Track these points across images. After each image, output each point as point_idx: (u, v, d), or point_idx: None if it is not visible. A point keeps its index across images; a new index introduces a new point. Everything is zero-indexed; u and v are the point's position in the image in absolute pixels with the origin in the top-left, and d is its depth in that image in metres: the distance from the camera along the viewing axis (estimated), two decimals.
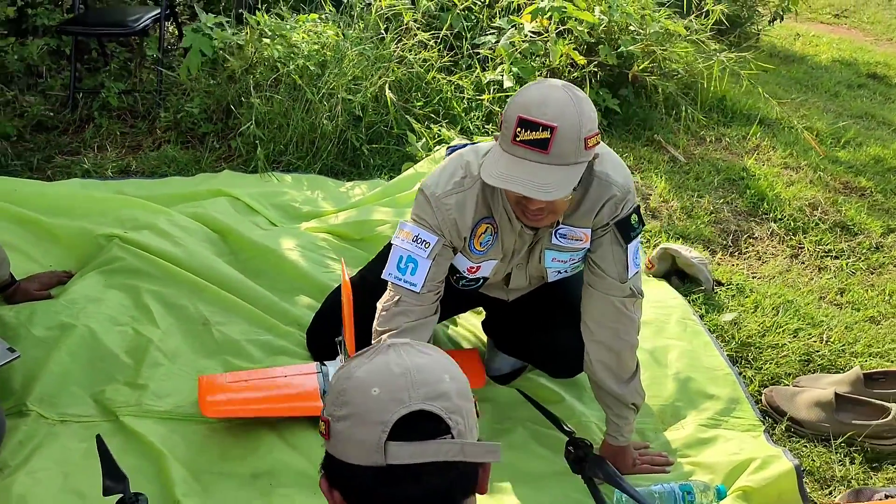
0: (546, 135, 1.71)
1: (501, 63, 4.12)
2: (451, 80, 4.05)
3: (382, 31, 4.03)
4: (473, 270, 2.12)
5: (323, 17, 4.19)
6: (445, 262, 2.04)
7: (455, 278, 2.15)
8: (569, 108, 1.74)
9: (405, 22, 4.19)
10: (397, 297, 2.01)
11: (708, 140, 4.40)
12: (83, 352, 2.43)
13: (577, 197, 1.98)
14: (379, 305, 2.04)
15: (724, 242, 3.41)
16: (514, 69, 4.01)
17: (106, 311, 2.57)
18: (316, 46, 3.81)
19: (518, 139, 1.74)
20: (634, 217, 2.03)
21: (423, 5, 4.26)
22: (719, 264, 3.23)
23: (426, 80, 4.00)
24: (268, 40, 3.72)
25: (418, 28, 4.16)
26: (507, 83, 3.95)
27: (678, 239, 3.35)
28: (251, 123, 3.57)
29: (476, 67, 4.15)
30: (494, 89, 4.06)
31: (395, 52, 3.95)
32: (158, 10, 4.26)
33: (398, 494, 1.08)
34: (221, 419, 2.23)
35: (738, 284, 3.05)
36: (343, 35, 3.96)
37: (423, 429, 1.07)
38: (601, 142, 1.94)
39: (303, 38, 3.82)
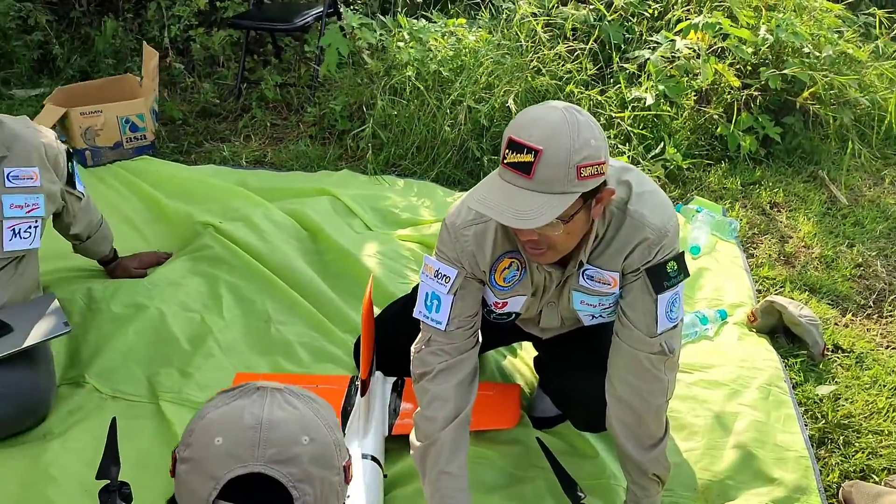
0: (529, 158, 1.54)
1: (649, 79, 3.85)
2: (590, 95, 3.84)
3: (522, 40, 3.90)
4: (500, 306, 1.98)
5: (470, 21, 4.13)
6: (472, 295, 1.91)
7: (486, 311, 2.01)
8: (560, 130, 1.55)
9: (563, 30, 4.05)
10: (428, 337, 1.92)
11: (887, 181, 3.87)
12: (149, 333, 2.56)
13: (606, 236, 1.80)
14: (413, 348, 1.96)
15: (864, 302, 2.97)
16: (661, 87, 3.74)
17: (181, 297, 2.69)
18: (451, 52, 3.75)
19: (506, 161, 1.59)
20: (672, 265, 1.80)
21: (577, 15, 4.08)
22: (847, 326, 2.82)
23: (565, 92, 3.83)
24: (402, 44, 3.72)
25: (563, 38, 3.99)
26: (649, 101, 3.69)
27: (805, 291, 2.96)
28: (369, 126, 3.59)
29: (621, 83, 3.91)
30: (636, 107, 3.81)
31: (531, 61, 3.81)
32: (321, 9, 4.40)
33: None
34: None
35: (859, 353, 2.64)
36: (485, 41, 3.88)
37: (259, 494, 0.99)
38: (634, 178, 1.78)
39: (439, 42, 3.78)
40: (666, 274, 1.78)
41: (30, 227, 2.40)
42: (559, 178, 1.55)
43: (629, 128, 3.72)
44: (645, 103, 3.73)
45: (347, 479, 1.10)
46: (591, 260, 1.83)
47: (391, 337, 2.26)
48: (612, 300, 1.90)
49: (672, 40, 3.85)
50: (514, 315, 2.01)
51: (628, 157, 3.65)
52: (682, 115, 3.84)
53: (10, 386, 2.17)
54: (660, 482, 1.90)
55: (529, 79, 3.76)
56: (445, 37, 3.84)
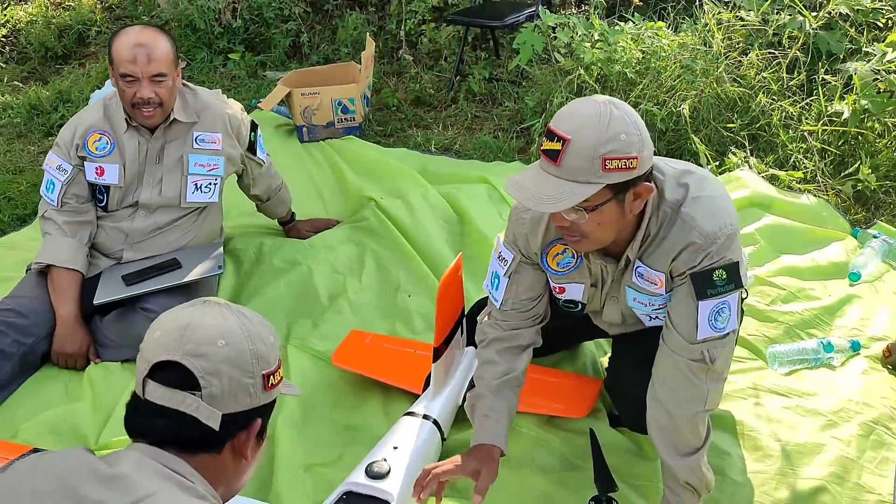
0: (558, 146, 1.63)
1: (853, 93, 3.59)
2: (782, 106, 3.66)
3: (716, 44, 3.80)
4: (560, 291, 2.06)
5: (671, 24, 4.09)
6: (527, 280, 2.03)
7: (555, 298, 2.11)
8: (592, 122, 1.62)
9: (767, 37, 3.89)
10: (489, 311, 2.08)
11: None
12: (297, 286, 2.91)
13: (658, 236, 1.83)
14: (478, 317, 2.12)
15: None
16: (864, 102, 3.47)
17: (332, 259, 3.03)
18: (638, 54, 3.76)
19: (542, 148, 1.70)
20: (721, 273, 1.78)
21: (791, 21, 3.89)
22: None
23: (755, 101, 3.69)
24: (588, 44, 3.78)
25: (770, 45, 3.82)
26: (846, 115, 3.45)
27: None
28: (539, 121, 3.70)
29: (821, 96, 3.68)
30: (835, 122, 3.57)
31: (719, 66, 3.71)
32: (535, 8, 4.57)
33: (149, 425, 1.25)
34: (351, 371, 2.50)
35: None
36: (678, 45, 3.83)
37: (174, 378, 1.23)
38: (694, 182, 1.80)
39: (627, 44, 3.80)
40: (711, 281, 1.77)
41: (210, 184, 2.84)
42: (583, 168, 1.62)
43: (819, 143, 3.50)
44: (842, 118, 3.49)
45: (267, 386, 1.29)
46: (643, 258, 1.87)
47: None
48: (663, 301, 1.91)
49: (884, 52, 3.55)
50: (579, 305, 2.08)
51: (808, 172, 3.44)
52: (889, 134, 3.54)
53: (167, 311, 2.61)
54: (694, 492, 1.88)
55: (715, 85, 3.66)
56: (637, 39, 3.85)
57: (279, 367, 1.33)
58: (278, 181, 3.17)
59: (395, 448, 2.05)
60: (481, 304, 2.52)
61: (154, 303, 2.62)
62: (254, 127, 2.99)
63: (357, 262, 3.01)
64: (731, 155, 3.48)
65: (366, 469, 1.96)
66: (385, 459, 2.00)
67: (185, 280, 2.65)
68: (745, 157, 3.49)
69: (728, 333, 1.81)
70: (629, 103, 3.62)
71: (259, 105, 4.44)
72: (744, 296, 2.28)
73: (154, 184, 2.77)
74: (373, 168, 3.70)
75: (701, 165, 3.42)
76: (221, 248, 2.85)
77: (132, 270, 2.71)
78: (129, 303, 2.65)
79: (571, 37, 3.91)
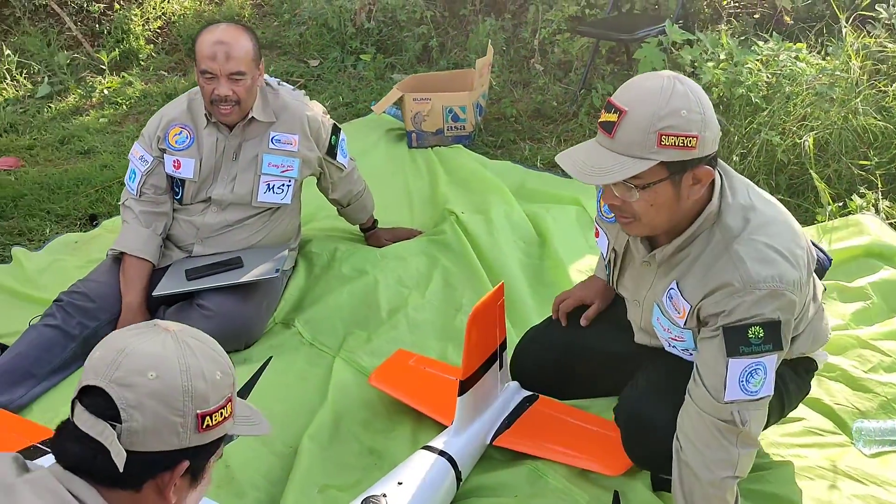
0: (614, 118, 1.57)
1: None
2: None
3: (858, 72, 3.40)
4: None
5: (812, 47, 3.71)
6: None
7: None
8: (652, 96, 1.55)
9: None
10: None
11: None
12: (359, 296, 2.85)
13: (701, 258, 1.70)
14: None
15: None
16: None
17: (400, 271, 2.94)
18: (766, 77, 3.43)
19: (599, 120, 1.62)
20: (757, 331, 1.60)
21: None
22: None
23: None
24: (711, 63, 3.49)
25: None
26: None
27: None
28: None
29: None
30: None
31: (859, 95, 3.32)
32: (664, 24, 4.30)
33: (66, 449, 1.19)
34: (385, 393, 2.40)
35: None
36: (818, 69, 3.47)
37: (97, 404, 1.17)
38: (759, 220, 1.66)
39: (755, 66, 3.47)
40: (745, 338, 1.61)
41: (283, 185, 2.82)
42: (637, 142, 1.55)
43: None
44: None
45: (201, 427, 1.20)
46: (679, 280, 1.73)
47: (532, 355, 2.27)
48: (680, 334, 1.77)
49: None
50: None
51: None
52: None
53: (221, 311, 2.61)
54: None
55: (851, 116, 3.28)
56: (771, 61, 3.51)
57: (223, 407, 1.23)
58: (360, 187, 3.11)
59: (400, 484, 1.92)
60: (533, 333, 2.36)
61: (210, 300, 2.63)
62: (335, 130, 2.94)
63: (424, 277, 2.91)
64: (857, 196, 3.10)
65: (363, 501, 1.85)
66: (384, 495, 1.88)
67: (240, 281, 2.63)
68: (874, 200, 3.09)
69: (762, 398, 1.64)
70: (750, 130, 3.32)
71: (373, 108, 4.43)
72: (816, 363, 2.02)
73: (228, 181, 2.78)
74: (467, 179, 3.59)
75: (820, 204, 3.09)
76: (286, 251, 2.82)
77: (197, 265, 2.73)
78: (189, 298, 2.67)
79: (699, 54, 3.62)
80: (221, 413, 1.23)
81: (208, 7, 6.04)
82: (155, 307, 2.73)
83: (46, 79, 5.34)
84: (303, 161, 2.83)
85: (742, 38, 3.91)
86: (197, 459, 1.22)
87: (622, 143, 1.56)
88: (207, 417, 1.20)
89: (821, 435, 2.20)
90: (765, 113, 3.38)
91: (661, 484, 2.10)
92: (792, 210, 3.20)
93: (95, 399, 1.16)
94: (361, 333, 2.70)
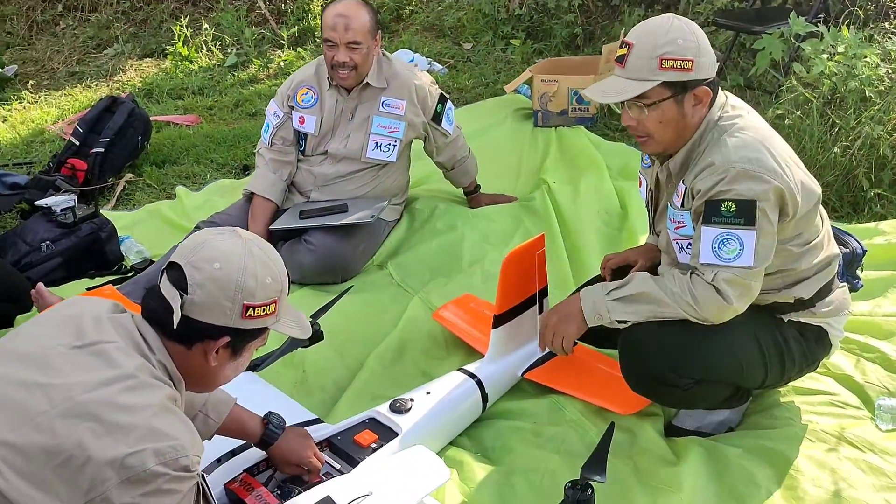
0: (625, 51, 1.93)
1: None
2: None
3: None
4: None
5: None
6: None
7: None
8: (657, 30, 1.92)
9: None
10: None
11: None
12: (447, 248, 3.18)
13: (701, 153, 1.99)
14: None
15: None
16: None
17: (486, 230, 3.24)
18: (884, 72, 3.40)
19: (615, 57, 1.98)
20: (729, 205, 1.89)
21: None
22: None
23: None
24: (825, 55, 3.50)
25: None
26: None
27: None
28: None
29: None
30: None
31: None
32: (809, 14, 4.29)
33: (148, 304, 1.55)
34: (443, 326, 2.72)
35: None
36: None
37: (175, 276, 1.51)
38: (742, 122, 1.94)
39: (872, 59, 3.45)
40: (718, 210, 1.90)
41: (389, 145, 3.20)
42: (643, 67, 1.91)
43: None
44: None
45: (245, 315, 1.50)
46: (684, 176, 2.03)
47: None
48: (682, 219, 2.05)
49: None
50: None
51: None
52: None
53: (322, 247, 3.03)
54: (620, 284, 2.09)
55: None
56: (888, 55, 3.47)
57: (267, 305, 1.51)
58: (464, 153, 3.43)
59: (428, 393, 2.24)
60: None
61: (314, 237, 3.05)
62: (442, 99, 3.28)
63: (506, 236, 3.19)
64: None
65: (391, 403, 2.19)
66: (412, 399, 2.20)
67: (340, 223, 3.03)
68: None
69: (740, 266, 1.90)
70: (858, 123, 3.34)
71: (505, 87, 4.73)
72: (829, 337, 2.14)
73: (343, 137, 3.20)
74: (574, 156, 3.82)
75: None
76: (386, 202, 3.19)
77: (310, 208, 3.17)
78: (299, 234, 3.11)
79: (819, 47, 3.64)
80: (264, 309, 1.52)
81: None
82: (274, 241, 3.18)
83: (234, 51, 6.05)
84: (408, 124, 3.19)
85: (867, 29, 3.84)
86: (237, 339, 1.54)
87: (631, 69, 1.91)
88: (251, 309, 1.50)
89: (841, 407, 2.28)
90: (877, 107, 3.36)
91: (673, 431, 2.29)
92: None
93: (175, 273, 1.50)
94: (441, 279, 3.02)
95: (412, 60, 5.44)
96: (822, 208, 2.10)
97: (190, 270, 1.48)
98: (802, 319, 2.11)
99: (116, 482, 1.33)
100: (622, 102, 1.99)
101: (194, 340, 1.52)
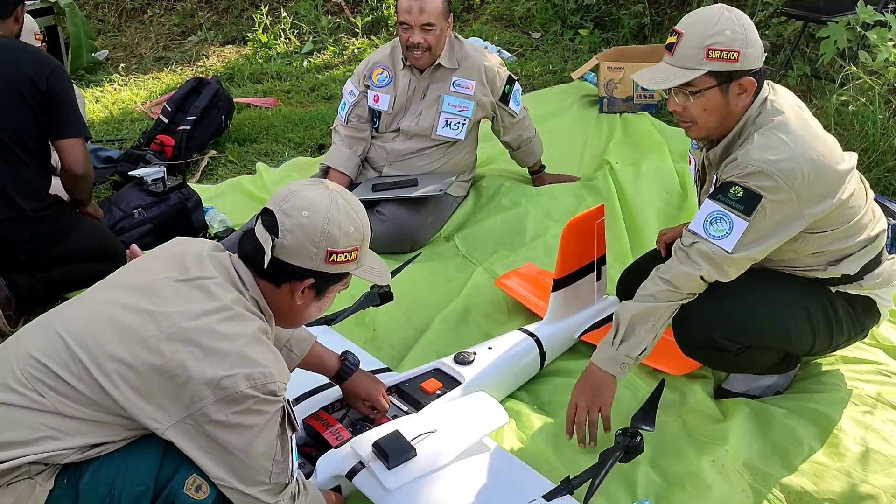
0: (674, 39, 2.02)
1: None
2: None
3: None
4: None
5: None
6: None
7: None
8: (706, 20, 1.98)
9: None
10: None
11: None
12: (510, 223, 3.34)
13: (731, 141, 2.08)
14: None
15: None
16: None
17: (549, 206, 3.40)
18: None
19: (664, 44, 2.06)
20: (737, 190, 1.98)
21: None
22: None
23: None
24: (890, 43, 3.53)
25: None
26: None
27: None
28: None
29: None
30: None
31: None
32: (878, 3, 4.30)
33: (244, 245, 1.72)
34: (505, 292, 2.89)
35: None
36: None
37: (268, 221, 1.68)
38: (780, 120, 1.98)
39: None
40: (727, 191, 2.00)
41: (458, 123, 3.36)
42: (691, 56, 1.99)
43: None
44: None
45: (328, 260, 1.66)
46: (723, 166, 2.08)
47: (631, 277, 2.61)
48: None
49: None
50: None
51: None
52: None
53: (392, 217, 3.21)
54: (616, 331, 2.14)
55: None
56: None
57: (348, 252, 1.67)
58: (529, 133, 3.58)
59: (490, 348, 2.41)
60: (637, 260, 2.70)
61: (385, 208, 3.24)
62: (510, 81, 3.43)
63: (569, 213, 3.30)
64: None
65: (455, 355, 2.36)
66: (475, 353, 2.37)
67: (410, 195, 3.21)
68: None
69: (720, 248, 1.98)
70: None
71: (572, 74, 4.85)
72: (877, 307, 2.22)
73: (414, 115, 3.38)
74: (638, 140, 3.94)
75: None
76: (454, 178, 3.36)
77: (382, 182, 3.35)
78: (371, 206, 3.30)
79: (883, 36, 3.67)
80: (346, 256, 1.68)
81: None
82: None
83: (311, 39, 6.30)
84: (477, 104, 3.35)
85: None
86: (321, 281, 1.71)
87: (679, 58, 1.99)
88: (334, 255, 1.66)
89: (888, 377, 2.37)
90: None
91: (722, 393, 2.41)
92: None
93: (269, 218, 1.67)
94: (505, 252, 3.18)
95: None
96: (863, 183, 2.17)
97: (281, 217, 1.64)
98: (850, 291, 2.19)
99: (213, 400, 1.52)
100: (670, 89, 2.06)
101: (283, 280, 1.69)
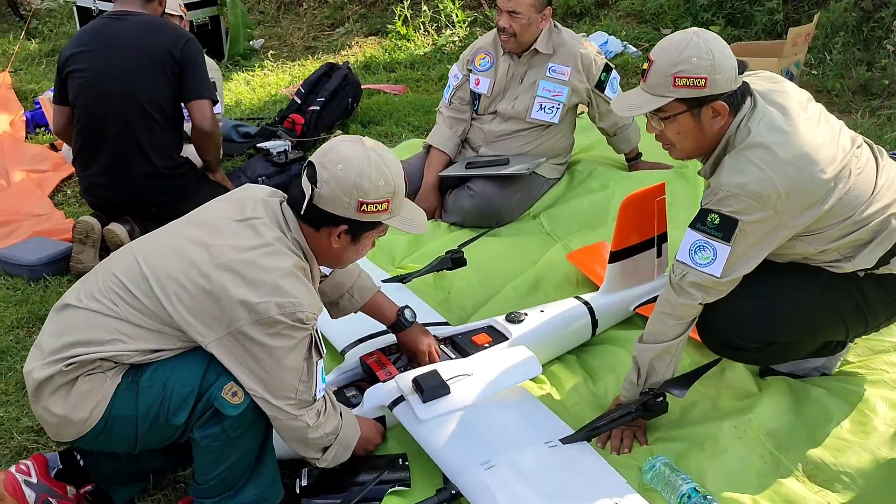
0: (647, 66, 2.06)
1: None
2: None
3: None
4: None
5: None
6: None
7: None
8: (674, 47, 2.00)
9: None
10: None
11: None
12: (596, 204, 3.47)
13: (715, 161, 2.09)
14: None
15: None
16: None
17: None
18: None
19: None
20: (714, 217, 2.01)
21: None
22: None
23: None
24: None
25: None
26: None
27: None
28: None
29: None
30: None
31: None
32: None
33: (291, 192, 1.98)
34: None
35: None
36: None
37: (310, 172, 1.93)
38: (757, 133, 1.99)
39: None
40: (704, 219, 2.04)
41: (552, 107, 3.53)
42: (659, 83, 2.03)
43: None
44: None
45: (358, 209, 1.87)
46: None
47: None
48: None
49: None
50: None
51: None
52: None
53: (480, 193, 3.43)
54: (636, 370, 2.20)
55: None
56: None
57: (379, 203, 1.86)
58: (626, 121, 3.68)
59: (542, 311, 2.57)
60: None
61: (476, 184, 3.45)
62: (607, 68, 3.56)
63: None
64: None
65: (507, 314, 2.54)
66: (526, 313, 2.54)
67: (499, 173, 3.41)
68: None
69: (708, 274, 2.03)
70: None
71: None
72: None
73: (511, 99, 3.56)
74: None
75: None
76: (544, 159, 3.53)
77: (477, 160, 3.57)
78: (463, 182, 3.52)
79: None
80: (377, 206, 1.88)
81: None
82: (443, 188, 3.62)
83: (448, 31, 6.59)
84: (572, 90, 3.50)
85: None
86: (354, 228, 1.90)
87: (650, 85, 2.03)
88: (364, 205, 1.86)
89: None
90: None
91: (769, 372, 2.45)
92: None
93: (311, 169, 1.92)
94: (586, 231, 3.32)
95: (605, 43, 5.70)
96: (873, 174, 2.09)
97: (320, 169, 1.86)
98: (879, 272, 2.14)
99: (248, 321, 1.78)
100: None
101: (320, 225, 1.91)
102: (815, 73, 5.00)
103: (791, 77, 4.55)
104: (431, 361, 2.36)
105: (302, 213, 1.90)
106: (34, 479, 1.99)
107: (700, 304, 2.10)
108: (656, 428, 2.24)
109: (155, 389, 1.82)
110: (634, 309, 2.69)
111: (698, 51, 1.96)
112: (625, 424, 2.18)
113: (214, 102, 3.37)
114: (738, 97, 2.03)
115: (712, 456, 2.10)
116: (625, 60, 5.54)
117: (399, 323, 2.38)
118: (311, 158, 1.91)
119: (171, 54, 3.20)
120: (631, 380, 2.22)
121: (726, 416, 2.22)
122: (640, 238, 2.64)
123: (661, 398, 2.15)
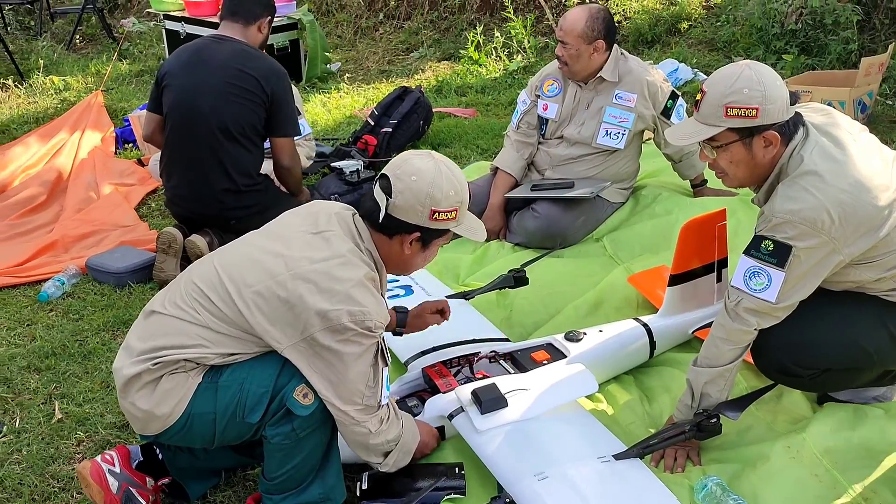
0: (699, 97, 2.13)
1: None
2: None
3: None
4: None
5: None
6: None
7: None
8: (727, 78, 2.06)
9: None
10: None
11: None
12: (660, 229, 3.50)
13: (769, 189, 2.14)
14: None
15: None
16: None
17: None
18: None
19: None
20: (768, 244, 2.05)
21: None
22: None
23: None
24: None
25: None
26: None
27: None
28: None
29: None
30: None
31: None
32: None
33: (364, 203, 2.11)
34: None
35: None
36: None
37: (384, 184, 2.06)
38: (810, 162, 2.03)
39: None
40: (759, 246, 2.08)
41: (618, 133, 3.60)
42: (711, 114, 2.10)
43: None
44: None
45: (431, 217, 2.00)
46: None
47: None
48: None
49: None
50: None
51: None
52: None
53: (546, 215, 3.51)
54: (690, 392, 2.23)
55: None
56: None
57: (449, 212, 2.00)
58: (691, 147, 3.70)
59: (600, 331, 2.64)
60: None
61: (540, 206, 3.54)
62: (673, 96, 3.61)
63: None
64: None
65: (566, 333, 2.61)
66: (585, 332, 2.61)
67: (564, 196, 3.49)
68: None
69: (763, 300, 2.06)
70: None
71: None
72: None
73: (578, 124, 3.65)
74: None
75: None
76: (609, 183, 3.59)
77: (543, 183, 3.65)
78: (528, 204, 3.61)
79: None
80: (447, 214, 2.02)
81: (660, 6, 6.85)
82: (509, 210, 3.72)
83: (519, 57, 6.71)
84: (637, 116, 3.56)
85: None
86: (426, 235, 2.05)
87: (703, 115, 2.10)
88: (436, 213, 2.00)
89: None
90: None
91: (827, 399, 2.46)
92: None
93: (384, 181, 2.05)
94: (648, 255, 3.36)
95: (675, 70, 5.74)
96: None
97: (394, 180, 1.99)
98: None
99: (320, 328, 1.89)
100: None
101: (394, 233, 2.04)
102: (891, 103, 4.95)
103: (863, 107, 4.52)
104: (444, 318, 2.51)
105: (380, 221, 2.01)
106: (117, 469, 2.14)
107: (755, 329, 2.14)
108: (710, 449, 2.28)
109: (232, 389, 1.95)
110: (693, 332, 2.73)
111: (750, 82, 2.03)
112: (678, 444, 2.22)
113: (297, 134, 3.58)
114: (791, 127, 2.08)
115: (766, 477, 2.13)
116: (695, 87, 5.55)
117: (398, 319, 2.51)
118: (384, 171, 2.03)
119: (262, 86, 3.39)
120: (685, 402, 2.26)
121: (780, 437, 2.24)
122: (700, 262, 2.69)
123: (716, 419, 2.19)
